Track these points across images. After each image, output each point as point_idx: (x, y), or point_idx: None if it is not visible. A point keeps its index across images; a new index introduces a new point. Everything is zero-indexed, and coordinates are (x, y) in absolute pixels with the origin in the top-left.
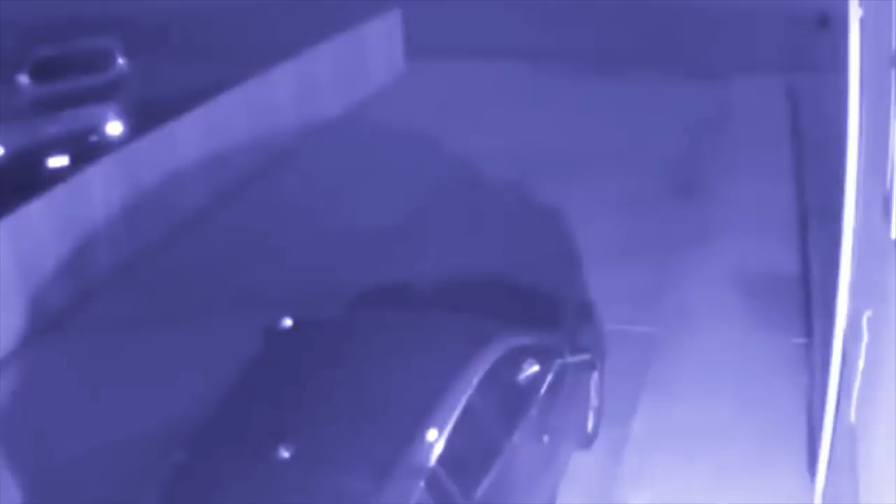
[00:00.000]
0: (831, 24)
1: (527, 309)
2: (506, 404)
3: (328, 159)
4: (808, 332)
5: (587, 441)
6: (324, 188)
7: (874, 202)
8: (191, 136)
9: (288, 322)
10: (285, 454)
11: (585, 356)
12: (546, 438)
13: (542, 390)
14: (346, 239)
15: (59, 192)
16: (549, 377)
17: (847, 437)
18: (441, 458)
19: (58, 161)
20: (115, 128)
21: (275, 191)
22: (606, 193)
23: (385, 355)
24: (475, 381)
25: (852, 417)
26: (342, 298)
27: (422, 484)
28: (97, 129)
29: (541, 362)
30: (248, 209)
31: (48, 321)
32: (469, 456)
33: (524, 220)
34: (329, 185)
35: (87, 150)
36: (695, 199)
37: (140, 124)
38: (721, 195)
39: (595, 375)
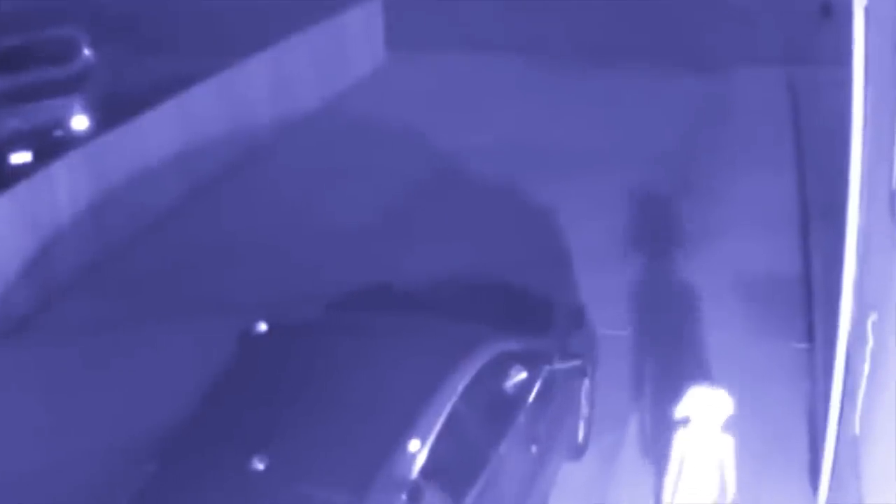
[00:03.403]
0: (834, 14)
1: (515, 313)
2: (492, 413)
3: (306, 154)
4: (810, 337)
5: (577, 452)
6: (302, 185)
7: (880, 198)
8: (161, 131)
9: (263, 326)
10: (260, 466)
11: (576, 362)
12: (534, 449)
13: (531, 398)
14: (325, 238)
15: (21, 190)
16: (538, 384)
17: (851, 447)
18: (424, 470)
19: (20, 157)
20: (80, 122)
21: (250, 187)
22: (599, 191)
23: (365, 361)
24: (460, 388)
25: (856, 427)
26: (321, 301)
27: (404, 497)
28: (62, 123)
29: (529, 369)
30: (222, 207)
31: (11, 324)
32: (454, 467)
33: (512, 219)
34: (307, 181)
35: (51, 145)
36: (692, 196)
37: (107, 118)
38: (719, 192)
39: (586, 383)
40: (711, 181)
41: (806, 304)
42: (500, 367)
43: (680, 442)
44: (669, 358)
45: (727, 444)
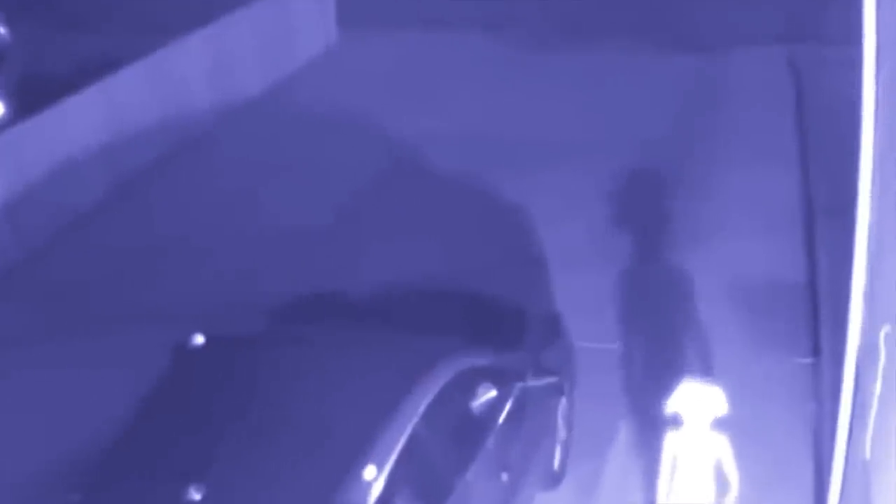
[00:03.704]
0: None
1: (482, 323)
2: (457, 436)
3: (249, 145)
4: (815, 351)
5: (553, 480)
6: (244, 179)
7: (893, 193)
8: (86, 119)
9: (199, 339)
10: (196, 496)
11: (552, 379)
12: (505, 476)
13: (501, 419)
14: (269, 239)
15: None
16: (509, 404)
17: (860, 473)
18: (381, 500)
19: None
20: None
21: (186, 182)
22: (578, 186)
23: (315, 379)
24: (421, 409)
25: (867, 451)
26: (264, 311)
27: None
28: None
29: (499, 386)
30: (153, 204)
31: None
32: (414, 497)
33: (480, 218)
34: (250, 175)
35: None
36: (683, 191)
37: (24, 104)
38: (713, 186)
39: (563, 402)
40: (704, 174)
41: (811, 314)
42: (465, 384)
43: (671, 441)
44: (658, 374)
45: (722, 442)
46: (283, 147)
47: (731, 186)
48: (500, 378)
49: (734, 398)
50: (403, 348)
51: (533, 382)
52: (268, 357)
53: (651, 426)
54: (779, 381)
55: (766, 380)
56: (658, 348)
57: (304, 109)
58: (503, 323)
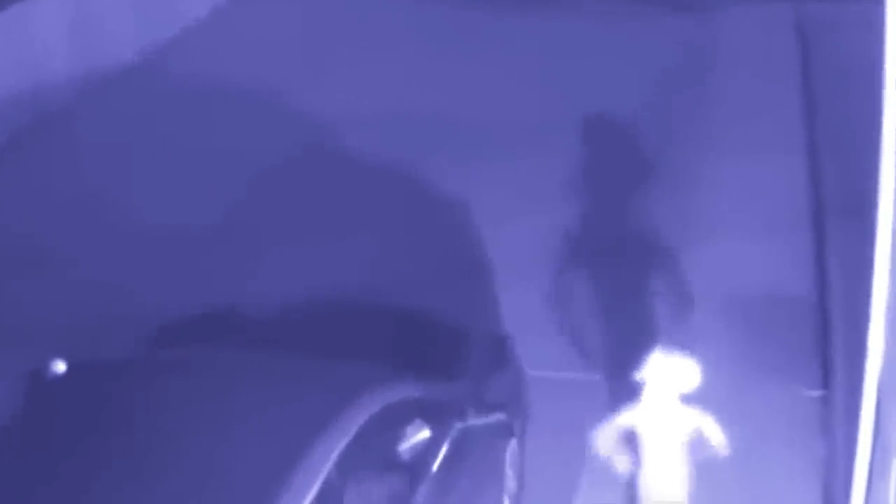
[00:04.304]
0: None
1: (412, 347)
2: (380, 487)
3: (117, 126)
4: (826, 381)
5: None
6: (111, 168)
7: None
8: None
9: (60, 366)
10: None
11: (499, 416)
12: None
13: (435, 466)
14: (143, 243)
15: None
16: (446, 447)
17: None
18: None
19: None
20: None
21: (37, 170)
22: (532, 178)
23: (202, 416)
24: (334, 453)
25: (891, 500)
26: (139, 332)
27: None
28: None
29: (433, 425)
30: None
31: None
32: None
33: (409, 217)
34: (120, 163)
35: None
36: (665, 184)
37: None
38: (702, 179)
39: (513, 444)
40: (691, 162)
41: (819, 334)
42: (391, 423)
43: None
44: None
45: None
46: (160, 128)
47: (724, 177)
48: (434, 414)
49: (728, 434)
50: (313, 378)
51: (475, 420)
52: (143, 388)
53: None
54: (780, 417)
55: (765, 415)
56: (631, 377)
57: (187, 82)
58: (439, 346)
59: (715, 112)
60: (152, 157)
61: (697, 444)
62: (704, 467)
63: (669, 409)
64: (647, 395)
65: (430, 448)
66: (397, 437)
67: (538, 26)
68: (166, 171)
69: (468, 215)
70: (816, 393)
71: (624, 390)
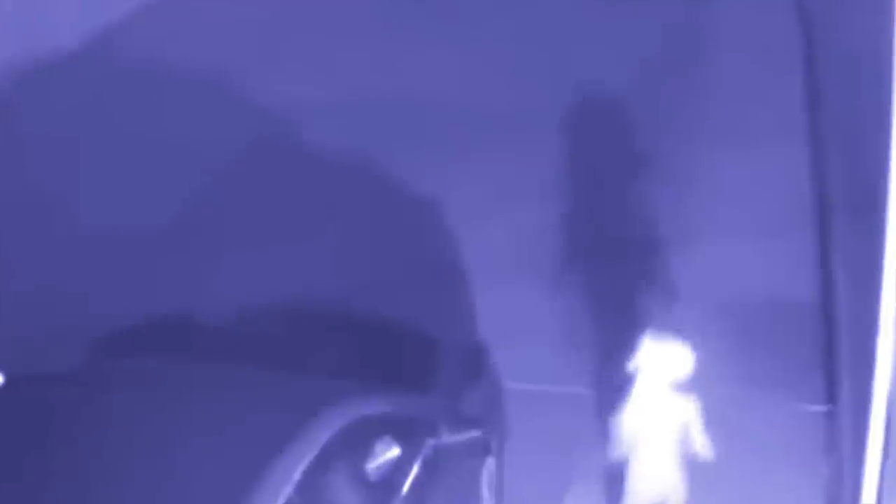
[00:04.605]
0: None
1: (381, 359)
2: None
3: (58, 115)
4: (831, 395)
5: None
6: (53, 164)
7: None
8: None
9: None
10: None
11: (474, 433)
12: None
13: (405, 487)
14: (87, 245)
15: None
16: (417, 466)
17: None
18: None
19: None
20: None
21: None
22: (512, 173)
23: (150, 430)
24: (295, 474)
25: None
26: (84, 341)
27: None
28: None
29: (403, 443)
30: None
31: None
32: None
33: (376, 217)
34: (60, 157)
35: None
36: (653, 178)
37: None
38: (696, 173)
39: (489, 463)
40: (685, 157)
41: (825, 345)
42: (359, 440)
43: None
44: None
45: (689, 406)
46: (107, 120)
47: (720, 173)
48: (405, 431)
49: (726, 454)
50: (273, 391)
51: (449, 438)
52: (88, 401)
53: (607, 497)
54: (782, 434)
55: (766, 432)
56: (618, 390)
57: (135, 66)
58: (409, 357)
59: (710, 102)
60: (98, 152)
61: (684, 441)
62: (705, 487)
63: (660, 403)
64: (637, 385)
65: (400, 467)
66: (365, 456)
67: (517, 8)
68: (114, 167)
69: (441, 214)
70: (821, 408)
71: (609, 403)
